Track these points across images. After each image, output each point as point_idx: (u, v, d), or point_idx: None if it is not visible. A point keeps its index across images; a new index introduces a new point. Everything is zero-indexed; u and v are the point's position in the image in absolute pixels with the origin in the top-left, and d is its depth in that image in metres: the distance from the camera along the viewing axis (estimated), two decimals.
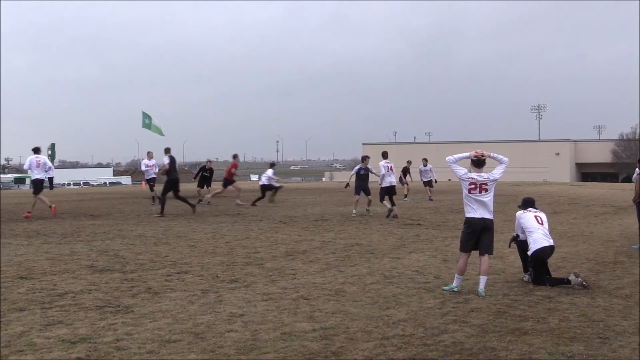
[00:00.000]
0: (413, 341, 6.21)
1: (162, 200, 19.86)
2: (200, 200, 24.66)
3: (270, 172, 25.06)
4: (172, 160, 20.17)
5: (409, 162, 29.17)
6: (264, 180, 25.12)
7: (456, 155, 8.82)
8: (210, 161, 27.52)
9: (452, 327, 6.72)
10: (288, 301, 7.90)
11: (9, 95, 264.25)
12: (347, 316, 7.16)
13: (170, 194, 19.88)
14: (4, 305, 7.67)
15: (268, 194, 24.75)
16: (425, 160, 28.82)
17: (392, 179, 18.90)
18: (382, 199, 19.07)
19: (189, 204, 19.93)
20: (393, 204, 18.87)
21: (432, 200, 26.10)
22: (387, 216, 18.48)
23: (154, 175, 25.74)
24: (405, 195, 26.52)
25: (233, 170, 23.84)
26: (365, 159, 19.60)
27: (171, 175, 19.87)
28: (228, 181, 23.99)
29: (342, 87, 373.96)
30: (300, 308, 7.54)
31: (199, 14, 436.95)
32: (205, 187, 26.58)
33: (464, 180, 8.52)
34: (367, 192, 19.25)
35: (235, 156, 24.62)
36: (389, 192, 18.87)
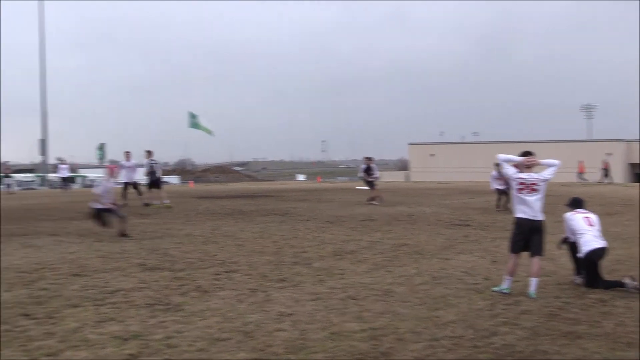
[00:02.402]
0: (463, 343, 6.15)
1: None
2: None
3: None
4: None
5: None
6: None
7: (507, 156, 8.71)
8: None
9: (503, 329, 6.63)
10: (336, 301, 7.89)
11: (60, 95, 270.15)
12: (395, 317, 7.13)
13: None
14: (59, 301, 7.83)
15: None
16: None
17: None
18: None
19: None
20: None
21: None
22: None
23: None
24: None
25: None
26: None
27: None
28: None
29: (390, 86, 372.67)
30: (349, 308, 7.52)
31: (252, 13, 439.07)
32: None
33: (513, 180, 8.42)
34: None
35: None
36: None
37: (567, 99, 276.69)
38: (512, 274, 8.41)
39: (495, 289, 8.50)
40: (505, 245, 12.55)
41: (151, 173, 22.28)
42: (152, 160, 22.59)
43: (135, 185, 22.54)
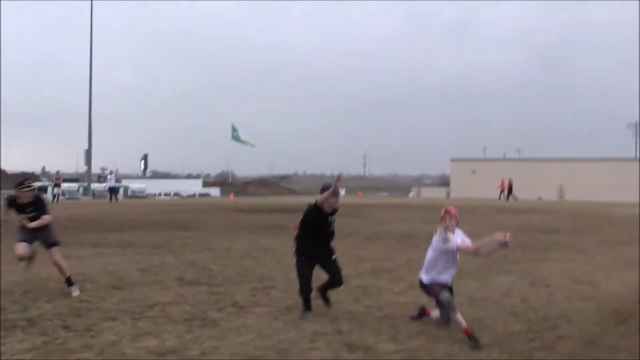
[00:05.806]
0: None
1: None
2: None
3: None
4: None
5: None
6: None
7: None
8: None
9: (539, 354, 6.56)
10: (372, 320, 7.89)
11: (108, 107, 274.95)
12: (430, 338, 7.09)
13: None
14: (98, 314, 7.97)
15: None
16: None
17: None
18: None
19: None
20: None
21: None
22: None
23: None
24: None
25: None
26: None
27: None
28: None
29: (436, 103, 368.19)
30: (384, 328, 7.51)
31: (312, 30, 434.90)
32: None
33: None
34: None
35: None
36: None
37: (617, 115, 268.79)
38: None
39: None
40: (545, 265, 12.43)
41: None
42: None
43: None
